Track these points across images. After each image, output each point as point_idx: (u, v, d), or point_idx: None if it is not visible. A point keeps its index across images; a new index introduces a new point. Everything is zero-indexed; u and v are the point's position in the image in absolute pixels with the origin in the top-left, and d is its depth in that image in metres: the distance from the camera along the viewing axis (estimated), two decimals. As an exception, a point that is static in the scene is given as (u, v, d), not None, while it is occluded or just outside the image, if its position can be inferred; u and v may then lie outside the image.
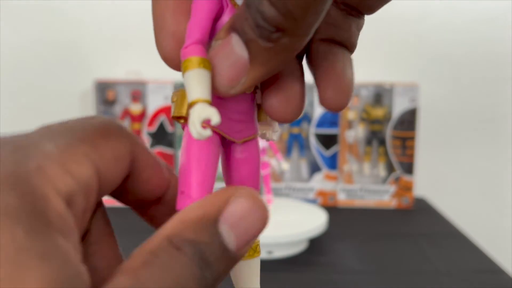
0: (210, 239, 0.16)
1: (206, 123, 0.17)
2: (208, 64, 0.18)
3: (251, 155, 0.21)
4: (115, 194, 0.20)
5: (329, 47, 0.20)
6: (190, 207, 0.17)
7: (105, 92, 0.97)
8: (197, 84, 0.17)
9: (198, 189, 0.19)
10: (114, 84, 0.97)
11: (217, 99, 0.19)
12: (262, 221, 0.18)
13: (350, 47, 0.20)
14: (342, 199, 0.98)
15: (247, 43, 0.17)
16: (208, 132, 0.17)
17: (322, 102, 0.20)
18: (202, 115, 0.17)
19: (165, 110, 0.96)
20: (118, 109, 0.97)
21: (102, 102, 0.97)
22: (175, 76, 0.89)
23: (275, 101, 0.20)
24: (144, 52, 0.86)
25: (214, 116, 0.17)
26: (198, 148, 0.19)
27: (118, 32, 1.02)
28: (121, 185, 0.19)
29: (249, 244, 0.17)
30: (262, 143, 0.79)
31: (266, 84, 0.20)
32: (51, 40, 1.06)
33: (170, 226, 0.16)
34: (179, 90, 0.19)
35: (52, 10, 1.05)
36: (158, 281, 0.15)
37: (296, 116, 0.20)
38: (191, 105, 0.17)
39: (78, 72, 1.06)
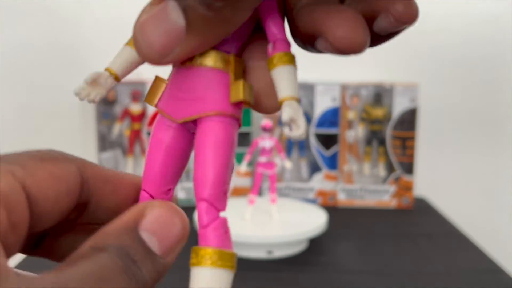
0: (133, 242, 0.17)
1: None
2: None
3: (202, 137, 0.19)
4: (85, 217, 0.20)
5: None
6: (110, 222, 0.18)
7: (105, 92, 0.97)
8: (115, 57, 0.19)
9: (145, 181, 0.20)
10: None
11: (172, 76, 0.19)
12: (180, 226, 0.18)
13: None
14: (342, 199, 0.98)
15: (186, 10, 0.16)
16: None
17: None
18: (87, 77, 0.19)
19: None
20: (118, 109, 0.97)
21: (102, 102, 0.97)
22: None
23: (341, 32, 0.17)
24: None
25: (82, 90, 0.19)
26: (150, 139, 0.20)
27: (118, 32, 1.02)
28: (86, 207, 0.20)
29: (175, 250, 0.18)
30: (269, 142, 0.79)
31: (321, 20, 0.18)
32: (51, 40, 1.06)
33: (93, 237, 0.17)
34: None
35: (52, 10, 1.05)
36: (83, 274, 0.15)
37: (365, 44, 0.18)
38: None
39: (78, 72, 1.06)
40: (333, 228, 0.79)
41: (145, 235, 0.17)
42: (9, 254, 0.16)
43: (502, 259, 0.74)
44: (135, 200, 0.20)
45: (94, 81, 0.19)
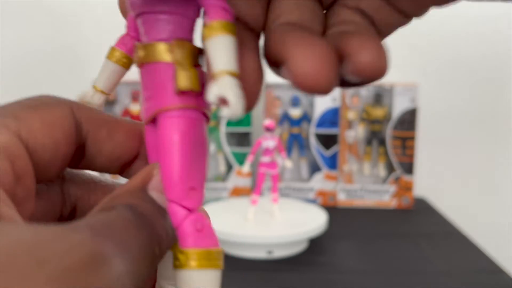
0: (141, 201, 0.17)
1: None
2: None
3: (158, 136, 0.18)
4: (84, 163, 0.20)
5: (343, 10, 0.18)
6: (118, 188, 0.18)
7: (105, 92, 0.97)
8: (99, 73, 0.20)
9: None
10: (114, 84, 0.97)
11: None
12: None
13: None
14: (342, 199, 0.98)
15: None
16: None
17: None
18: None
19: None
20: (118, 109, 0.97)
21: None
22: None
23: (302, 68, 0.15)
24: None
25: None
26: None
27: (117, 32, 1.02)
28: (84, 152, 0.19)
29: None
30: (272, 142, 0.79)
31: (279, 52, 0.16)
32: (51, 40, 1.06)
33: (101, 203, 0.17)
34: None
35: (52, 11, 1.05)
36: (91, 225, 0.15)
37: (330, 85, 0.16)
38: None
39: (78, 72, 1.06)
40: (333, 228, 0.79)
41: (154, 194, 0.17)
42: (20, 206, 0.16)
43: (502, 259, 0.74)
44: (133, 145, 0.20)
45: (83, 100, 0.20)
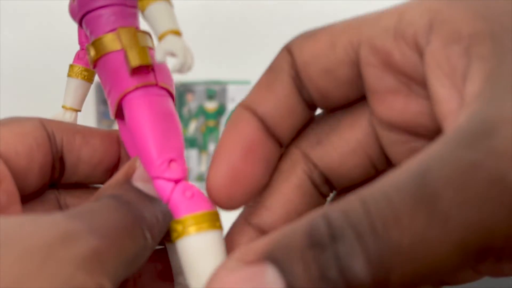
0: (126, 191, 0.17)
1: None
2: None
3: (127, 121, 0.18)
4: (67, 174, 0.20)
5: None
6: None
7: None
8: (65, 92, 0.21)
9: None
10: (114, 84, 0.97)
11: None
12: None
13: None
14: (342, 199, 0.98)
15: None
16: None
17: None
18: None
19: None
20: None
21: (102, 102, 0.97)
22: (175, 75, 0.89)
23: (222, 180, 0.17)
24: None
25: None
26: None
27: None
28: (64, 162, 0.20)
29: None
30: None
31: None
32: (51, 40, 1.06)
33: (87, 200, 0.17)
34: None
35: (52, 10, 1.05)
36: (74, 213, 0.15)
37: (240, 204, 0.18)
38: None
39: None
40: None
41: (140, 184, 0.17)
42: (5, 211, 0.16)
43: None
44: (112, 149, 0.20)
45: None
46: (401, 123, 0.17)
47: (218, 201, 0.18)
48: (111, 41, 0.18)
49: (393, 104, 0.17)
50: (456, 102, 0.14)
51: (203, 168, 0.90)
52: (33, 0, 1.04)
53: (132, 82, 0.18)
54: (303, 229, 0.12)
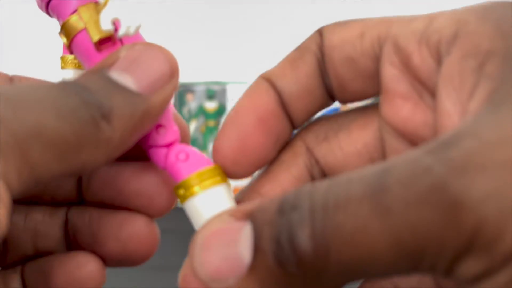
0: (92, 78, 0.16)
1: None
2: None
3: None
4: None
5: None
6: None
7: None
8: None
9: None
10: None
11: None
12: (162, 59, 0.17)
13: None
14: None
15: (258, 250, 0.13)
16: None
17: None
18: None
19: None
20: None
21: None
22: (175, 76, 0.89)
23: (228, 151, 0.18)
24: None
25: None
26: None
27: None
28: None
29: (160, 86, 0.16)
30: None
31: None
32: (51, 39, 1.06)
33: None
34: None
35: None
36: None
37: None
38: None
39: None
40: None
41: (114, 74, 0.16)
42: None
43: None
44: None
45: None
46: (404, 130, 0.17)
47: (223, 166, 0.18)
48: (75, 23, 0.18)
49: (401, 109, 0.16)
50: (458, 117, 0.14)
51: (203, 168, 0.90)
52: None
53: (100, 57, 0.18)
54: (279, 198, 0.13)
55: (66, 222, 0.20)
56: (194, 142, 0.91)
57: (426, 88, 0.16)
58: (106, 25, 0.17)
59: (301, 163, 0.18)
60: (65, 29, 0.18)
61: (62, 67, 0.21)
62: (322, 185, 0.13)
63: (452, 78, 0.14)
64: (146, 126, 0.16)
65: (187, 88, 0.90)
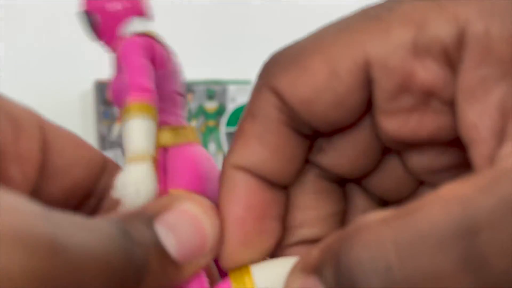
0: (140, 225, 0.14)
1: None
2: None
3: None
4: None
5: None
6: None
7: (105, 92, 0.97)
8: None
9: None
10: (114, 84, 0.97)
11: None
12: (210, 228, 0.15)
13: None
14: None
15: None
16: None
17: None
18: None
19: (165, 110, 0.96)
20: (118, 109, 0.97)
21: (102, 102, 0.97)
22: (175, 76, 0.89)
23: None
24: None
25: None
26: None
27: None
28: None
29: (196, 257, 0.15)
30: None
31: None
32: (51, 39, 1.06)
33: None
34: None
35: (53, 9, 1.05)
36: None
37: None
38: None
39: (78, 72, 1.06)
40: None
41: (159, 228, 0.14)
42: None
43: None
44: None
45: None
46: (414, 139, 0.16)
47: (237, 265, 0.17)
48: None
49: (406, 122, 0.15)
50: (486, 131, 0.13)
51: (203, 168, 0.90)
52: (33, 0, 1.04)
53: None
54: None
55: None
56: (194, 142, 0.91)
57: (435, 96, 0.15)
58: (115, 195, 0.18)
59: (311, 175, 0.18)
60: None
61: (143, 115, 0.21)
62: (383, 251, 0.12)
63: (472, 89, 0.13)
64: None
65: (187, 88, 0.90)
